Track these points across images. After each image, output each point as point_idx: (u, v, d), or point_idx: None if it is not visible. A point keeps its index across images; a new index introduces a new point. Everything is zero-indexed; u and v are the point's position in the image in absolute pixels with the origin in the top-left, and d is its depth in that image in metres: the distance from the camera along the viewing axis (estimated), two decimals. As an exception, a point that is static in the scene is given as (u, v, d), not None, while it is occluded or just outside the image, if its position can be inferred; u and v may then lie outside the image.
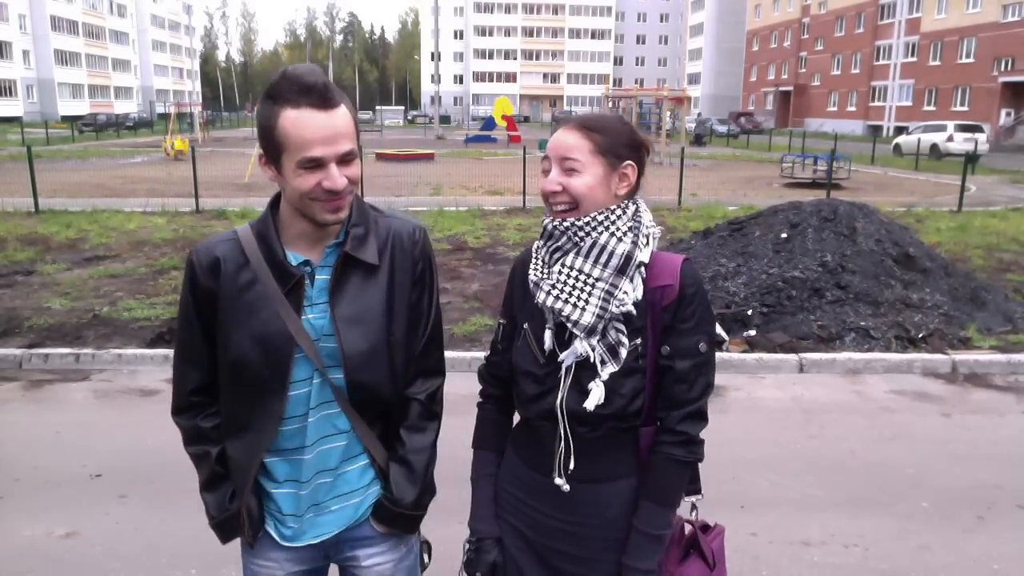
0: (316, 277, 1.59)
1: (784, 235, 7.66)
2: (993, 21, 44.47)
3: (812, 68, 65.25)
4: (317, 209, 1.51)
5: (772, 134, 44.20)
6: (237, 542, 1.72)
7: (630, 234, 1.58)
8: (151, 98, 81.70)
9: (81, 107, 66.80)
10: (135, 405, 5.24)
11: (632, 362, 1.55)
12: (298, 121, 1.44)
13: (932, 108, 48.86)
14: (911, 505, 3.91)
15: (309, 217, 1.53)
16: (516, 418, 1.79)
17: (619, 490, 1.61)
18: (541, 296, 1.58)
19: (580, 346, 1.55)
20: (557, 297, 1.56)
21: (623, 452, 1.60)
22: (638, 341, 1.56)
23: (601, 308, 1.54)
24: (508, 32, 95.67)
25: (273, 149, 1.49)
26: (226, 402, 1.65)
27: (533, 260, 1.66)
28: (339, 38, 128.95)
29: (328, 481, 1.63)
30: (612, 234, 1.56)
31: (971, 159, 20.39)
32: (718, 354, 5.79)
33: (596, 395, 1.54)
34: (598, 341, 1.55)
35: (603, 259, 1.55)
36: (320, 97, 1.44)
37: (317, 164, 1.46)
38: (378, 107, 76.52)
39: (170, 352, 5.44)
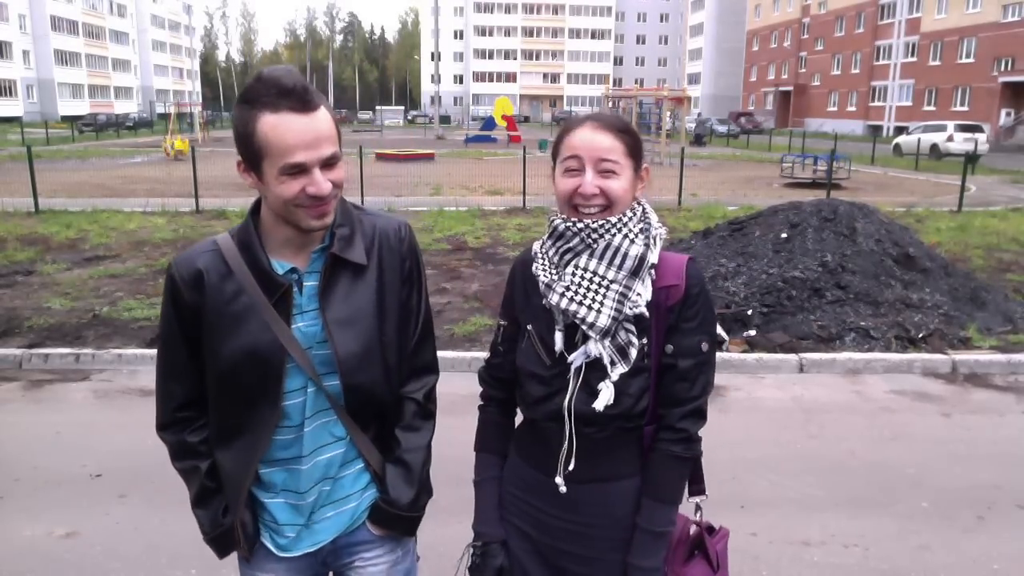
0: (304, 284, 1.54)
1: (784, 235, 7.66)
2: (993, 21, 44.48)
3: (812, 68, 65.25)
4: (302, 216, 1.46)
5: (772, 134, 44.19)
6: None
7: (641, 236, 1.58)
8: (151, 98, 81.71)
9: (81, 107, 66.80)
10: (135, 405, 5.24)
11: (639, 361, 1.56)
12: (278, 126, 1.38)
13: (932, 108, 48.86)
14: (911, 505, 3.91)
15: (294, 224, 1.48)
16: (517, 420, 1.78)
17: (625, 489, 1.61)
18: (555, 298, 1.56)
19: (594, 348, 1.54)
20: (572, 299, 1.54)
21: (628, 451, 1.61)
22: (644, 340, 1.57)
23: (616, 310, 1.53)
24: (508, 32, 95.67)
25: (252, 156, 1.43)
26: (216, 413, 1.60)
27: (539, 261, 1.63)
28: (339, 38, 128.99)
29: (327, 489, 1.61)
30: (625, 236, 1.56)
31: (971, 159, 20.40)
32: (718, 354, 5.79)
33: (606, 395, 1.54)
34: (609, 342, 1.55)
35: (617, 261, 1.54)
36: (300, 100, 1.39)
37: (300, 170, 1.41)
38: (378, 107, 76.52)
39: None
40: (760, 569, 3.34)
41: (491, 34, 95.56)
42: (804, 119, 62.67)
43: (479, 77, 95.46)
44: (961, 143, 29.68)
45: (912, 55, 52.51)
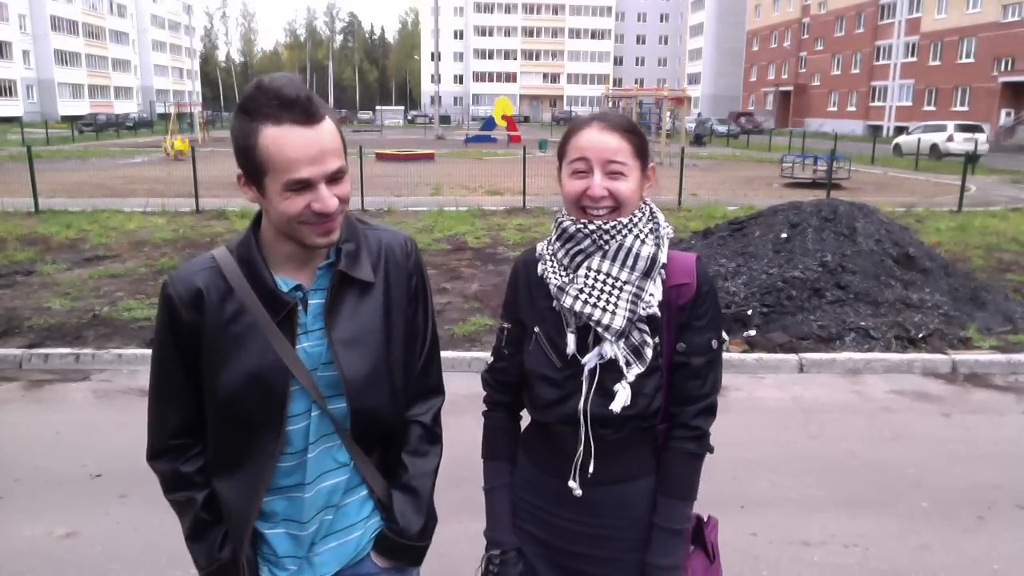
0: (309, 302, 1.46)
1: (784, 235, 7.66)
2: (993, 21, 44.48)
3: (812, 68, 65.26)
4: (307, 233, 1.38)
5: (772, 134, 44.20)
6: None
7: (651, 236, 1.58)
8: (151, 98, 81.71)
9: (81, 107, 66.81)
10: (135, 405, 5.24)
11: (652, 361, 1.56)
12: (281, 139, 1.30)
13: (932, 108, 48.87)
14: (911, 505, 3.91)
15: (298, 241, 1.41)
16: (522, 422, 1.77)
17: (640, 489, 1.61)
18: (568, 301, 1.54)
19: (609, 350, 1.53)
20: (585, 302, 1.53)
21: (642, 451, 1.61)
22: (656, 340, 1.57)
23: (630, 311, 1.53)
24: (508, 32, 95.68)
25: (254, 170, 1.35)
26: (215, 441, 1.50)
27: (548, 263, 1.61)
28: (339, 38, 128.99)
29: (328, 519, 1.53)
30: (636, 236, 1.56)
31: (971, 159, 20.40)
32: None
33: (623, 397, 1.53)
34: (623, 343, 1.55)
35: (629, 262, 1.54)
36: (304, 112, 1.31)
37: (305, 186, 1.33)
38: (378, 107, 76.58)
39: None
40: (760, 569, 3.34)
41: (491, 34, 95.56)
42: (804, 119, 62.67)
43: (479, 77, 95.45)
44: (961, 143, 29.68)
45: (912, 55, 52.51)
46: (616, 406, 1.53)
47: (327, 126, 1.35)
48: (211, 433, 1.51)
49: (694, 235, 9.29)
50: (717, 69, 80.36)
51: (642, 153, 1.56)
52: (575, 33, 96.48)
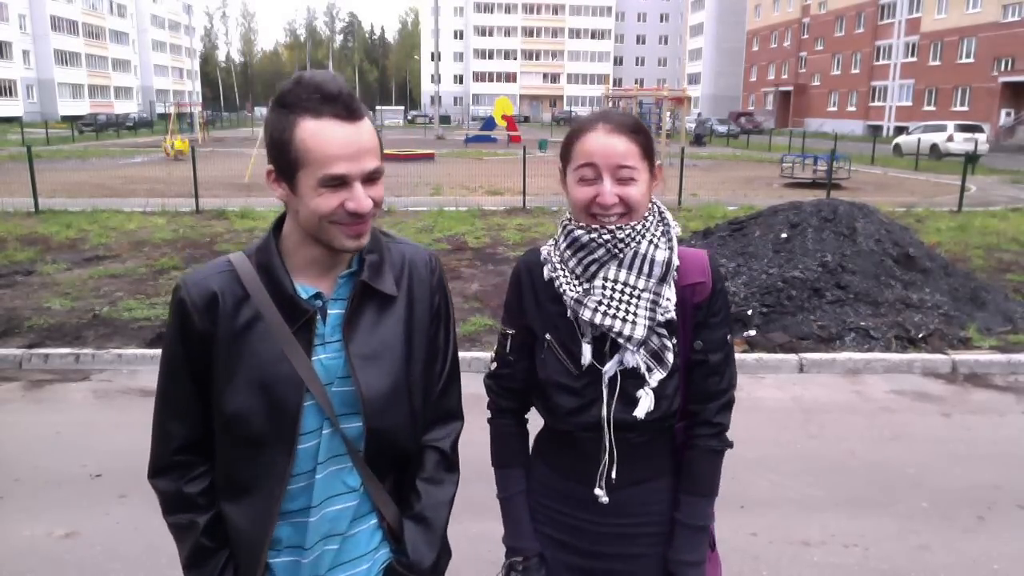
0: (328, 312, 1.39)
1: (784, 235, 7.66)
2: (993, 21, 44.48)
3: (812, 68, 65.26)
4: (336, 234, 1.32)
5: (772, 134, 44.20)
6: None
7: (663, 238, 1.55)
8: (151, 98, 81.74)
9: (81, 107, 66.82)
10: (135, 405, 5.24)
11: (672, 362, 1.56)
12: (320, 133, 1.26)
13: (932, 108, 48.88)
14: (911, 505, 3.91)
15: (325, 242, 1.34)
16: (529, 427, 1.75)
17: (661, 487, 1.62)
18: (587, 314, 1.50)
19: (631, 358, 1.51)
20: (604, 314, 1.49)
21: (663, 450, 1.62)
22: (674, 341, 1.56)
23: (650, 318, 1.51)
24: (508, 32, 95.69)
25: (288, 165, 1.29)
26: (223, 459, 1.41)
27: (559, 272, 1.56)
28: (339, 38, 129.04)
29: (334, 548, 1.43)
30: (650, 242, 1.53)
31: (971, 159, 20.39)
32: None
33: (646, 403, 1.51)
34: (643, 349, 1.53)
35: (645, 269, 1.51)
36: (345, 107, 1.27)
37: (341, 182, 1.28)
38: (378, 107, 76.73)
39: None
40: (760, 569, 3.34)
41: (491, 34, 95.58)
42: (804, 119, 62.68)
43: (479, 77, 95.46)
44: (961, 143, 29.68)
45: (912, 55, 52.52)
46: (640, 412, 1.51)
47: (367, 125, 1.32)
48: (220, 451, 1.41)
49: (694, 235, 9.28)
50: (717, 69, 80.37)
51: (649, 153, 1.52)
52: (575, 33, 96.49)
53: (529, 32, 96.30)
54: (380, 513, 1.45)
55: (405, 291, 1.45)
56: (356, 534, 1.45)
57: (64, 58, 68.02)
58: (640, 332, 1.50)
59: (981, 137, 30.58)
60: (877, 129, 53.25)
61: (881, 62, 56.36)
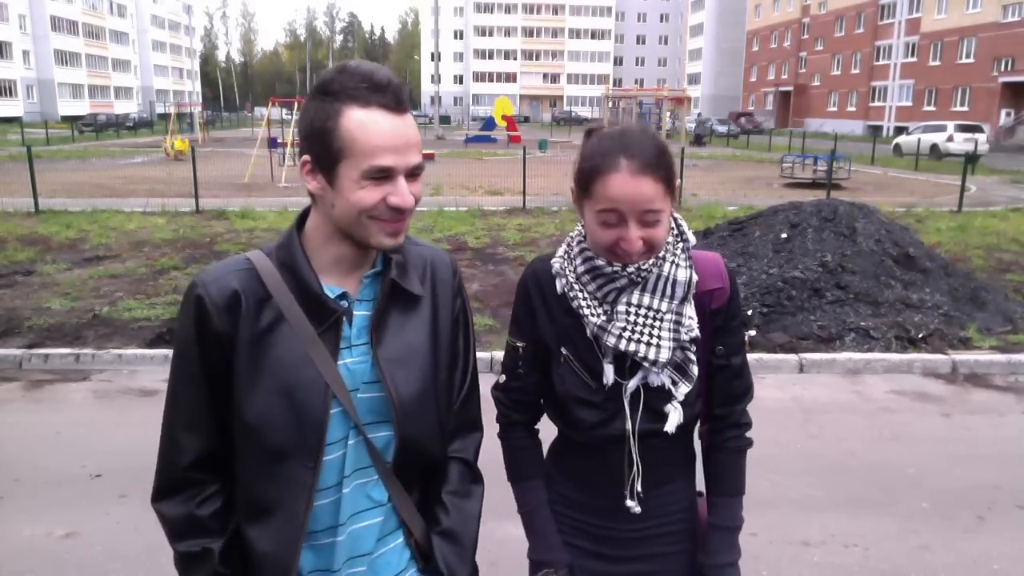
0: (354, 314, 1.31)
1: (784, 235, 7.66)
2: (993, 21, 44.48)
3: (812, 68, 65.26)
4: (374, 230, 1.25)
5: (772, 134, 44.19)
6: None
7: (682, 255, 1.53)
8: (151, 98, 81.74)
9: (81, 107, 66.81)
10: (135, 405, 5.24)
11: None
12: (367, 123, 1.20)
13: (932, 108, 48.88)
14: (911, 505, 3.91)
15: (361, 239, 1.27)
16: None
17: (679, 487, 1.64)
18: (611, 340, 1.48)
19: (655, 378, 1.50)
20: (629, 339, 1.47)
21: (683, 453, 1.63)
22: (694, 348, 1.55)
23: (674, 340, 1.50)
24: (508, 32, 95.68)
25: (329, 155, 1.22)
26: (243, 475, 1.30)
27: (577, 294, 1.51)
28: (339, 38, 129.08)
29: (361, 570, 1.33)
30: (672, 263, 1.51)
31: (971, 159, 20.39)
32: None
33: (675, 418, 1.51)
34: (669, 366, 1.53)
35: (668, 291, 1.50)
36: (395, 98, 1.22)
37: (386, 176, 1.22)
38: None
39: (170, 352, 5.42)
40: (760, 569, 3.34)
41: (491, 34, 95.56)
42: (804, 119, 62.68)
43: (479, 77, 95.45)
44: (961, 143, 29.67)
45: (912, 55, 52.52)
46: (671, 427, 1.51)
47: (411, 118, 1.26)
48: (239, 467, 1.30)
49: (694, 235, 9.28)
50: (717, 69, 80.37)
51: (672, 184, 1.44)
52: (575, 33, 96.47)
53: (529, 32, 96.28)
54: (407, 529, 1.37)
55: (429, 293, 1.39)
56: (384, 553, 1.35)
57: (64, 58, 68.02)
58: (665, 355, 1.48)
59: (981, 137, 30.57)
60: (877, 129, 53.25)
61: (881, 62, 56.36)
